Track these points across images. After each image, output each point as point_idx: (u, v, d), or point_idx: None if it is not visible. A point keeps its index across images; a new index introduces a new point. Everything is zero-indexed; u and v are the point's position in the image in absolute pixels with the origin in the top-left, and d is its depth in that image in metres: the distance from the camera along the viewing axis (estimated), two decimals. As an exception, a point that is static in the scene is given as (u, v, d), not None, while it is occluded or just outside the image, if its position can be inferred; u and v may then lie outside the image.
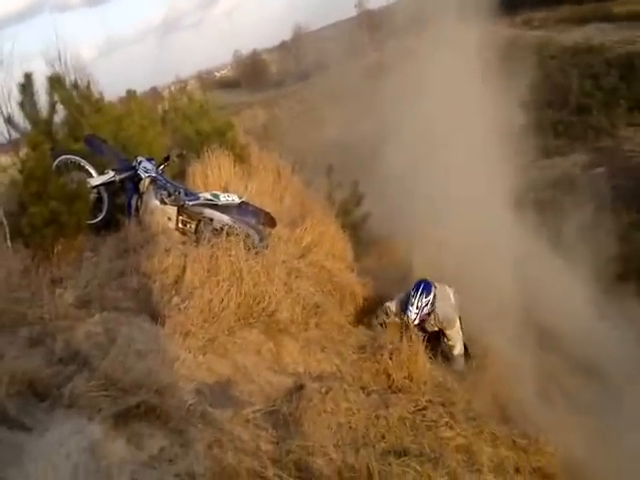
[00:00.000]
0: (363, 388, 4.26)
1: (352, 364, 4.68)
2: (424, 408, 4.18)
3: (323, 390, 3.89)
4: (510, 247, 8.31)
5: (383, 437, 3.77)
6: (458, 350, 5.77)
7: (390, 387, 4.48)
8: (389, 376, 4.55)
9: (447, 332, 5.74)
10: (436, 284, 5.73)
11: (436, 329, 5.77)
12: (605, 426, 5.84)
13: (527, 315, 7.29)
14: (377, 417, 3.91)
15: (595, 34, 31.80)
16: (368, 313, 5.79)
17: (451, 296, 5.80)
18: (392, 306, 5.71)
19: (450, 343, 5.76)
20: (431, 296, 5.57)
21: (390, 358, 4.65)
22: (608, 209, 13.93)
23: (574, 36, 31.77)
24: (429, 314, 5.58)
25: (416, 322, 5.50)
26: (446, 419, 4.08)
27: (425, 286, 5.61)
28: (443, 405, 4.33)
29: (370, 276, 6.37)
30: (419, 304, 5.52)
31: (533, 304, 7.72)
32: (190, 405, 3.13)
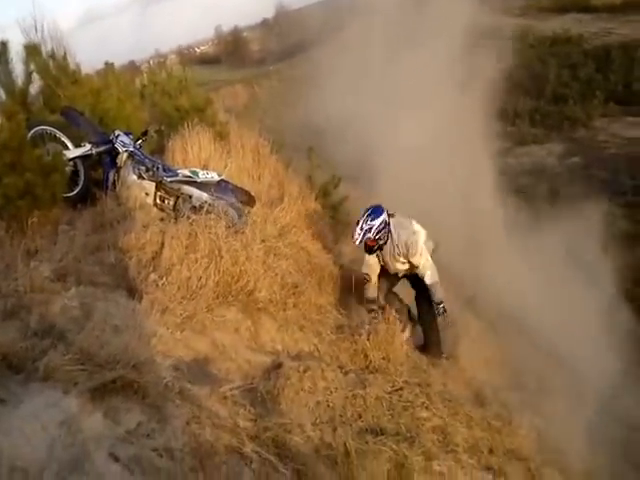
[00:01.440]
0: (341, 368, 4.27)
1: (330, 344, 4.69)
2: (401, 389, 4.21)
3: (301, 369, 3.89)
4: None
5: (360, 416, 3.78)
6: (430, 277, 5.59)
7: (367, 367, 4.51)
8: (366, 356, 4.57)
9: (413, 260, 5.60)
10: (396, 214, 5.68)
11: (407, 266, 5.73)
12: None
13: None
14: (354, 396, 3.93)
15: (573, 24, 32.15)
16: (346, 294, 5.80)
17: (413, 225, 5.66)
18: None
19: (420, 271, 5.63)
20: (378, 221, 5.47)
21: (367, 339, 4.66)
22: (581, 196, 14.21)
23: (553, 25, 32.03)
24: (376, 239, 5.50)
25: (357, 242, 5.52)
26: (422, 400, 4.12)
27: (374, 210, 5.56)
28: (419, 386, 4.37)
29: (348, 258, 6.37)
30: (363, 226, 5.46)
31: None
32: (168, 381, 3.09)
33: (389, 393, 4.07)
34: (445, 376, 4.96)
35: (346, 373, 4.20)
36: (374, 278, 5.75)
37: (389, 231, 5.54)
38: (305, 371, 3.89)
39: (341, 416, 3.70)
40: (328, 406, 3.76)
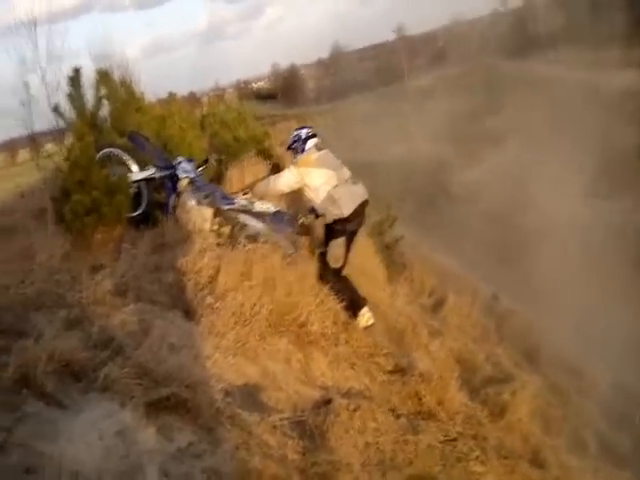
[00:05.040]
0: (392, 410, 4.12)
1: (381, 384, 4.55)
2: (454, 439, 4.01)
3: (351, 407, 3.77)
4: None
5: (411, 463, 3.61)
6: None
7: (419, 412, 4.33)
8: (419, 400, 4.40)
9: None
10: (327, 150, 5.80)
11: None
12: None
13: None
14: (405, 442, 3.76)
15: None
16: (399, 335, 5.66)
17: (325, 176, 5.55)
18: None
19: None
20: (296, 132, 5.84)
21: (421, 381, 4.51)
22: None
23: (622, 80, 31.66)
24: (290, 147, 5.81)
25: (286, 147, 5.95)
26: (477, 453, 3.91)
27: (302, 127, 5.99)
28: (474, 438, 4.16)
29: (402, 299, 6.26)
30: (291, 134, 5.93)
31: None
32: (220, 404, 3.06)
33: (442, 442, 3.89)
34: (502, 430, 4.71)
35: (397, 417, 4.04)
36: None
37: (302, 149, 5.71)
38: (355, 410, 3.77)
39: (391, 460, 3.55)
40: (378, 449, 3.61)
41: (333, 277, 5.42)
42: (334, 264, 5.50)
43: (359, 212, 5.58)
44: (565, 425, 6.07)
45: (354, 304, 5.42)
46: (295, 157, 5.78)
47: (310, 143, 5.72)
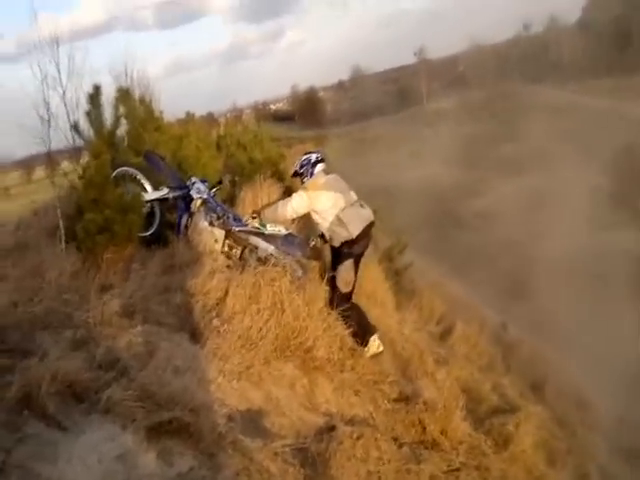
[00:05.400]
0: (395, 439, 4.08)
1: (385, 413, 4.52)
2: (457, 469, 3.98)
3: (354, 435, 3.74)
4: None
5: (413, 493, 3.59)
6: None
7: (422, 442, 4.28)
8: (423, 429, 4.36)
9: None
10: (335, 175, 5.92)
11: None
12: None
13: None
14: (408, 471, 3.73)
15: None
16: (405, 362, 5.63)
17: (332, 199, 5.59)
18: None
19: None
20: (304, 157, 5.92)
21: (425, 410, 4.47)
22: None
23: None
24: (299, 172, 5.85)
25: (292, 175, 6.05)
26: (479, 484, 3.88)
27: (311, 152, 6.05)
28: (477, 469, 4.11)
29: (410, 326, 6.23)
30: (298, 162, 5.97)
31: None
32: (222, 430, 3.05)
33: (445, 472, 3.85)
34: (506, 462, 4.65)
35: (400, 445, 4.01)
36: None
37: (311, 173, 5.76)
38: (358, 438, 3.74)
39: (393, 490, 3.51)
40: (380, 478, 3.59)
41: (343, 302, 5.39)
42: (344, 288, 5.50)
43: (366, 233, 5.61)
44: (569, 458, 5.97)
45: (364, 330, 5.41)
46: (303, 181, 5.83)
47: (319, 167, 5.78)
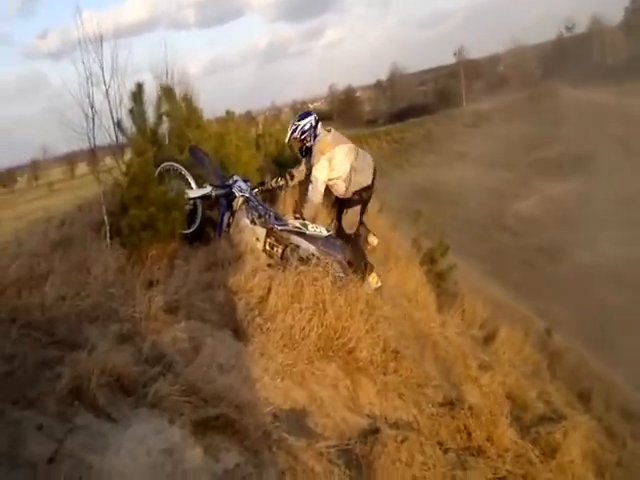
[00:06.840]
0: (440, 444, 3.98)
1: (430, 417, 4.40)
2: (504, 477, 3.87)
3: (399, 438, 3.65)
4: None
5: (459, 499, 3.48)
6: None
7: (468, 448, 4.16)
8: (469, 435, 4.24)
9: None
10: (334, 131, 6.10)
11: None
12: None
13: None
14: (453, 477, 3.64)
15: None
16: (449, 366, 5.50)
17: (345, 150, 5.92)
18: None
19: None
20: (303, 121, 5.98)
21: (470, 415, 4.34)
22: None
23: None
24: (301, 139, 5.99)
25: (287, 140, 6.17)
26: (526, 493, 3.74)
27: (303, 114, 6.18)
28: (524, 478, 3.99)
29: (453, 330, 6.09)
30: (291, 125, 6.07)
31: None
32: (267, 427, 3.01)
33: (491, 480, 3.74)
34: (553, 472, 4.48)
35: (446, 451, 3.91)
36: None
37: (315, 135, 5.93)
38: (403, 441, 3.65)
39: (439, 496, 3.42)
40: (425, 483, 3.49)
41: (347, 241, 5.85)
42: (349, 230, 6.02)
43: (375, 178, 6.10)
44: (619, 471, 5.74)
45: (363, 268, 5.79)
46: (306, 146, 6.01)
47: (319, 127, 6.01)
